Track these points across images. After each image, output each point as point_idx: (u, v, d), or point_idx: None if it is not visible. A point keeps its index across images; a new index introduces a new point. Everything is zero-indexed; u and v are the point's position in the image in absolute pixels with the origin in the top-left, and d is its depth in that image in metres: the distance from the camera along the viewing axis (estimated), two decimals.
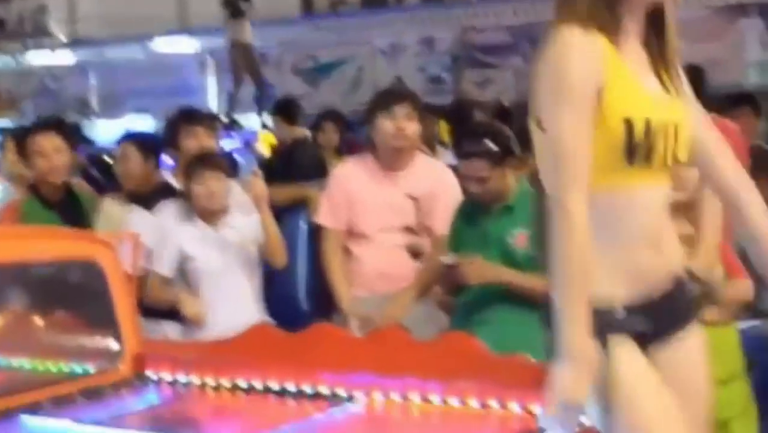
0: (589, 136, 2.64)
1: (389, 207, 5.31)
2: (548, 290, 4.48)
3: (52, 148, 5.77)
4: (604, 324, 2.71)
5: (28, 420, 3.76)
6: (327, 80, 18.44)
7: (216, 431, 3.83)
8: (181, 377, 4.16)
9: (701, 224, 4.41)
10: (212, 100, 20.02)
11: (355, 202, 5.35)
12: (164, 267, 5.24)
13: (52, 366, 4.18)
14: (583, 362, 2.62)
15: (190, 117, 6.27)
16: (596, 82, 2.65)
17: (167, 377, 4.19)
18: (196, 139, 5.96)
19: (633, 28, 2.75)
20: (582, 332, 2.63)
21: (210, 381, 4.08)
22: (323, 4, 20.93)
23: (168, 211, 5.44)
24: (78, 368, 4.20)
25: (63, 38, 24.83)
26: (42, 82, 23.40)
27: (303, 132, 9.67)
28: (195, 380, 4.12)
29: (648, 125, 2.67)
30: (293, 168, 8.76)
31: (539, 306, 4.36)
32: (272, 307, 5.64)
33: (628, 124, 2.66)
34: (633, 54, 2.74)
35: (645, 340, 2.81)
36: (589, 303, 2.64)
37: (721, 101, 8.47)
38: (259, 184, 5.28)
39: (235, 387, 4.01)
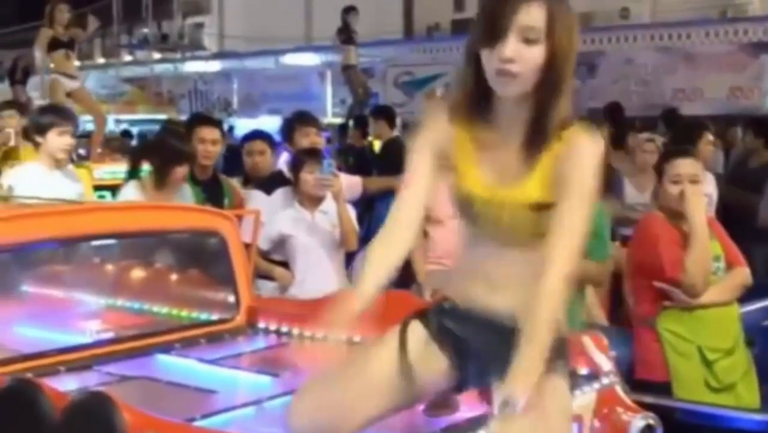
0: (422, 173, 2.57)
1: None
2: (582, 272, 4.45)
3: (211, 139, 5.84)
4: (432, 310, 2.63)
5: (161, 358, 3.81)
6: (421, 92, 18.40)
7: (309, 372, 3.83)
8: (284, 328, 4.17)
9: (689, 222, 4.34)
10: (329, 105, 20.10)
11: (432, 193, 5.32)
12: (263, 243, 5.25)
13: (182, 314, 4.21)
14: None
15: (305, 119, 6.31)
16: (439, 148, 2.54)
17: (273, 327, 4.20)
18: (308, 138, 6.01)
19: (507, 120, 2.48)
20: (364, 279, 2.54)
21: (306, 332, 4.07)
22: (421, 30, 20.94)
23: (278, 195, 5.47)
24: (203, 317, 4.24)
25: (213, 50, 25.14)
26: (195, 85, 23.67)
27: (397, 134, 9.69)
28: (295, 330, 4.12)
29: (476, 201, 2.50)
30: (389, 162, 8.79)
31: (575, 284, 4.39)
32: None
33: (463, 194, 2.52)
34: (496, 143, 2.50)
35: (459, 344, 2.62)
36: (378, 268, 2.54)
37: (744, 123, 8.33)
38: (338, 183, 5.24)
39: (325, 338, 4.01)
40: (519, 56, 2.34)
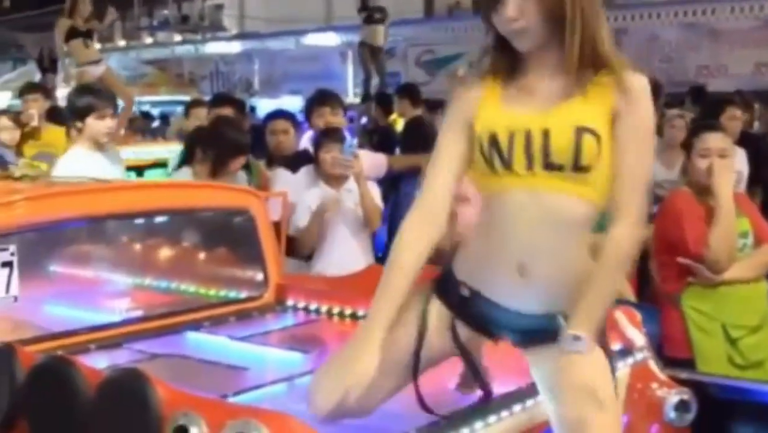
0: (450, 155, 2.51)
1: None
2: None
3: None
4: (449, 288, 2.57)
5: (191, 335, 3.81)
6: (443, 71, 18.31)
7: (338, 348, 3.83)
8: (313, 305, 4.15)
9: (715, 197, 4.31)
10: (350, 85, 20.05)
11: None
12: (300, 221, 5.24)
13: (211, 292, 4.20)
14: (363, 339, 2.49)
15: (321, 99, 6.33)
16: (466, 117, 2.47)
17: (302, 304, 4.19)
18: (322, 118, 6.05)
19: (536, 66, 2.43)
20: (378, 317, 2.49)
21: (335, 309, 4.07)
22: (442, 9, 20.87)
23: (303, 173, 5.48)
24: (232, 295, 4.22)
25: (233, 31, 25.13)
26: (216, 66, 23.70)
27: (420, 113, 9.65)
28: (323, 308, 4.11)
29: (501, 135, 2.39)
30: (413, 140, 8.77)
31: None
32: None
33: (486, 136, 2.41)
34: (530, 84, 2.44)
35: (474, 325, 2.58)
36: (396, 294, 2.49)
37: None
38: (357, 164, 5.22)
39: (353, 315, 4.00)
40: (521, 11, 2.33)
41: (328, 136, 5.37)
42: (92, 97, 5.19)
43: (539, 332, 2.46)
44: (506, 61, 2.46)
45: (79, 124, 5.16)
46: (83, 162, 4.97)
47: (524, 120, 2.38)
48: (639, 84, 2.40)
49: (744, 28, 15.41)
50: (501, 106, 2.44)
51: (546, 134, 2.35)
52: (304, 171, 5.48)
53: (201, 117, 6.75)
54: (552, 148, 2.35)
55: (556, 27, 2.35)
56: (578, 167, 2.35)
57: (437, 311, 2.58)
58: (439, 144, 2.55)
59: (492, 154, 2.40)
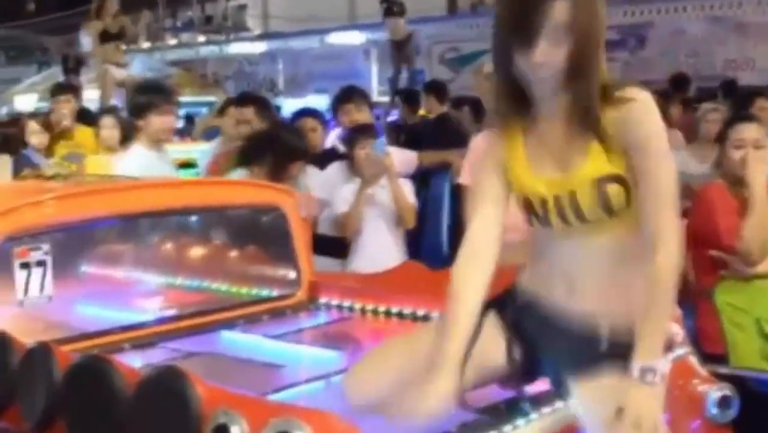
0: (489, 195, 2.57)
1: None
2: None
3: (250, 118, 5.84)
4: (508, 302, 2.61)
5: (225, 334, 3.80)
6: (467, 68, 18.25)
7: (372, 347, 3.81)
8: (346, 303, 4.14)
9: (748, 188, 4.26)
10: (374, 83, 20.00)
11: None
12: (342, 206, 5.22)
13: (244, 291, 4.20)
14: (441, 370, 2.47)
15: (345, 97, 6.31)
16: (500, 166, 2.53)
17: (335, 302, 4.18)
18: (347, 115, 6.04)
19: (549, 112, 2.45)
20: (448, 349, 2.49)
21: (368, 306, 4.05)
22: (465, 5, 20.81)
23: (333, 170, 5.49)
24: (265, 293, 4.22)
25: (257, 31, 25.16)
26: (240, 66, 23.70)
27: (447, 109, 9.63)
28: (357, 305, 4.09)
29: (533, 200, 2.47)
30: (441, 137, 8.74)
31: None
32: (422, 250, 5.59)
33: (520, 199, 2.51)
34: (545, 134, 2.47)
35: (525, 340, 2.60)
36: (460, 327, 2.51)
37: None
38: (389, 162, 5.20)
39: (387, 312, 3.98)
40: (550, 57, 2.32)
41: (361, 132, 5.35)
42: (152, 94, 5.15)
43: (581, 353, 2.47)
44: (516, 103, 2.48)
45: (139, 122, 5.11)
46: (142, 160, 4.95)
47: (552, 185, 2.45)
48: (641, 98, 2.38)
49: None
50: (529, 171, 2.49)
51: (573, 196, 2.42)
52: (335, 167, 5.47)
53: (234, 116, 6.75)
54: (581, 207, 2.42)
55: (573, 72, 2.35)
56: (611, 213, 2.41)
57: (493, 321, 2.60)
58: (476, 186, 2.64)
59: (529, 215, 2.51)
